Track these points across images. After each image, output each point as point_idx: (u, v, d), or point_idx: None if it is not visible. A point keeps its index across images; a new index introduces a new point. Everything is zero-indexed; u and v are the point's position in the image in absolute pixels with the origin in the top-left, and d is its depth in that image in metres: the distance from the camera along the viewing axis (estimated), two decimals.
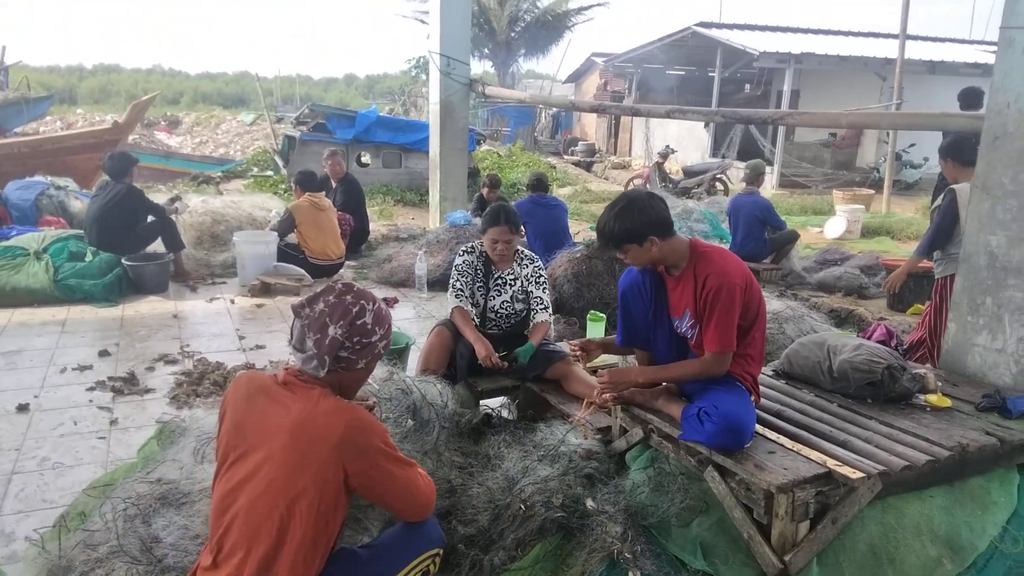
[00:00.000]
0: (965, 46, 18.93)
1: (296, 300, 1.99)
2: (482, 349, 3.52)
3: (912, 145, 15.12)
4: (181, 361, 4.68)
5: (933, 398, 2.88)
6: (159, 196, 8.90)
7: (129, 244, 6.41)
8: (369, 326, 1.92)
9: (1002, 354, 3.14)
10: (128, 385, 4.23)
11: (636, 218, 2.50)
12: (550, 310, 3.80)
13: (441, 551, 2.13)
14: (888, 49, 15.55)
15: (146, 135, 18.35)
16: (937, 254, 4.38)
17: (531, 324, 3.75)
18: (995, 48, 3.14)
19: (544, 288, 3.79)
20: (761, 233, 6.90)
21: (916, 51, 15.87)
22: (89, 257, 6.18)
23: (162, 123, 22.78)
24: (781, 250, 7.00)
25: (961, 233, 3.86)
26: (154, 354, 4.76)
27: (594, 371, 3.76)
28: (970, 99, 6.57)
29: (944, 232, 4.25)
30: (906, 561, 2.40)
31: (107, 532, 2.53)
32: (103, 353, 4.76)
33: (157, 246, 6.73)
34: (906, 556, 2.40)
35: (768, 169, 15.82)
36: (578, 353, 2.99)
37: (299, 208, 6.64)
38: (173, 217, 6.83)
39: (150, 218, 6.61)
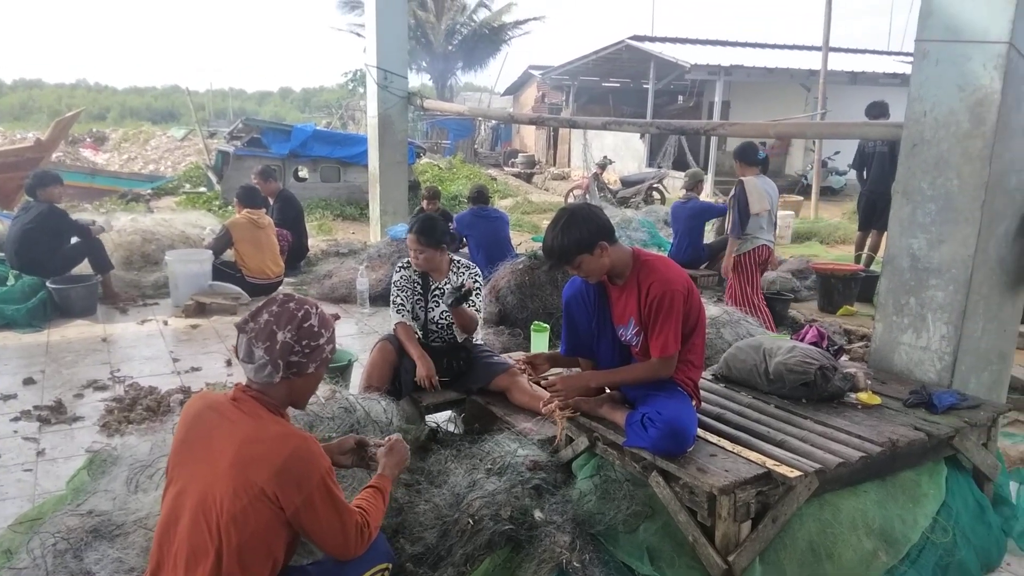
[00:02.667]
0: (884, 57, 19.85)
1: (238, 319, 1.97)
2: (423, 369, 3.51)
3: (837, 153, 15.74)
4: (112, 387, 4.50)
5: (864, 396, 2.99)
6: (86, 215, 8.57)
7: (53, 266, 6.15)
8: (316, 328, 1.93)
9: (927, 351, 3.28)
10: (55, 414, 4.05)
11: (583, 227, 2.53)
12: (482, 312, 3.81)
13: (390, 565, 2.11)
14: (812, 61, 16.17)
15: (71, 152, 17.65)
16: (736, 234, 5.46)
17: None
18: (912, 59, 3.30)
19: (478, 294, 3.79)
20: (700, 239, 7.07)
21: (838, 63, 16.56)
22: (11, 281, 5.90)
23: (88, 140, 21.95)
24: (717, 256, 7.19)
25: (752, 217, 5.31)
26: (82, 380, 4.57)
27: (538, 382, 3.79)
28: (876, 112, 6.93)
29: (743, 216, 5.36)
30: (844, 555, 2.48)
31: (36, 569, 2.42)
32: (28, 381, 4.54)
33: (84, 268, 6.47)
34: (843, 551, 2.48)
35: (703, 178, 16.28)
36: (525, 368, 2.99)
37: (237, 225, 6.48)
38: (100, 237, 6.58)
39: (75, 239, 6.35)
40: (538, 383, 3.13)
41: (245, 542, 1.75)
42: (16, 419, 3.99)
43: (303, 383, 1.97)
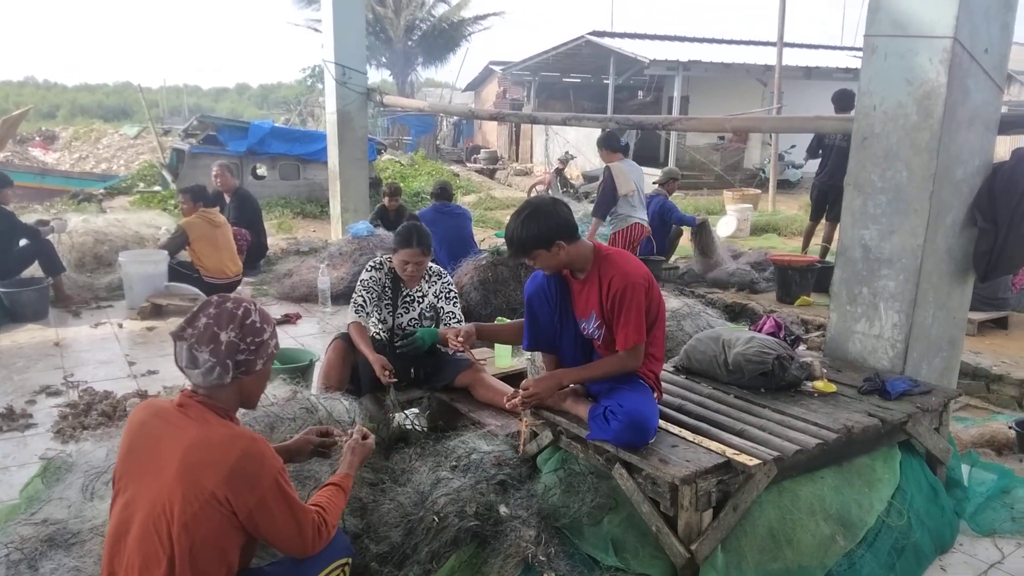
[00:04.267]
0: (837, 52, 20.28)
1: (173, 327, 1.93)
2: (378, 365, 3.44)
3: (793, 147, 16.04)
4: (65, 392, 4.38)
5: (820, 384, 3.06)
6: (35, 217, 8.32)
7: (2, 269, 5.96)
8: (258, 324, 1.91)
9: (879, 339, 3.37)
10: (7, 421, 3.93)
11: (543, 223, 2.55)
12: (463, 322, 3.78)
13: (350, 560, 2.10)
14: (768, 56, 16.45)
15: (19, 152, 17.11)
16: (609, 217, 6.11)
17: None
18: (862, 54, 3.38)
19: (455, 303, 3.76)
20: (664, 235, 7.16)
21: (793, 58, 16.88)
22: None
23: (37, 139, 21.33)
24: (675, 245, 7.34)
25: (620, 199, 5.92)
26: (35, 386, 4.44)
27: (504, 377, 3.80)
28: (844, 100, 7.02)
29: (609, 198, 5.98)
30: (803, 541, 2.53)
31: None
32: None
33: (34, 270, 6.28)
34: (803, 536, 2.54)
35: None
36: (460, 341, 2.97)
37: (192, 225, 6.34)
38: (50, 238, 6.39)
39: (24, 241, 6.16)
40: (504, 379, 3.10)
41: (197, 548, 1.72)
42: None
43: (252, 381, 1.95)
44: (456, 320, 3.70)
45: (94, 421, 3.87)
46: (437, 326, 3.72)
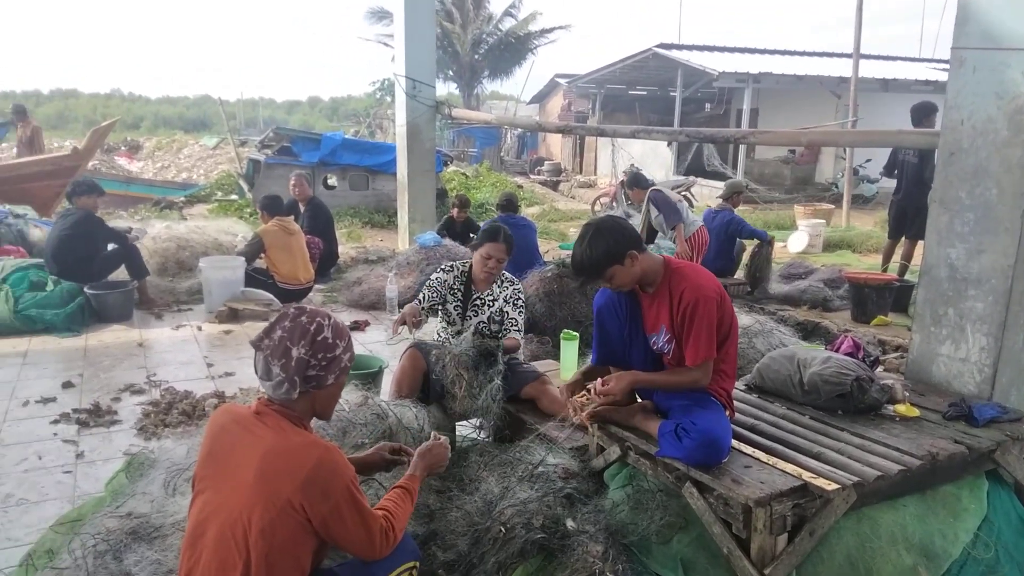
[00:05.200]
0: (916, 64, 19.58)
1: (254, 336, 1.98)
2: (407, 311, 3.53)
3: (868, 160, 15.53)
4: (148, 391, 4.58)
5: (902, 408, 2.95)
6: (121, 222, 8.75)
7: (91, 272, 6.28)
8: (330, 340, 1.93)
9: (966, 363, 3.23)
10: (94, 417, 4.13)
11: (611, 238, 2.53)
12: (522, 332, 3.81)
13: (417, 564, 2.12)
14: (843, 68, 16.01)
15: (106, 161, 18.02)
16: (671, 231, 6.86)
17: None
18: (945, 66, 3.26)
19: (520, 311, 3.80)
20: (731, 250, 7.01)
21: (869, 70, 16.39)
22: (50, 286, 6.03)
23: (123, 148, 22.39)
24: (740, 260, 7.21)
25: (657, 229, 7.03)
26: (120, 384, 4.66)
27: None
28: (923, 113, 6.77)
29: (673, 208, 6.76)
30: (883, 570, 2.43)
31: (77, 569, 2.47)
32: (67, 384, 4.64)
33: (121, 274, 6.60)
34: (882, 565, 2.44)
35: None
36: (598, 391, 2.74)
37: (268, 232, 6.57)
38: (136, 244, 6.71)
39: (112, 246, 6.49)
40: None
41: (273, 553, 1.77)
42: (56, 422, 4.08)
43: (324, 395, 1.97)
44: (516, 328, 3.73)
45: (175, 419, 4.04)
46: (502, 331, 3.75)
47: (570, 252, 8.77)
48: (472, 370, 3.49)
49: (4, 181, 9.53)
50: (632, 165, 14.97)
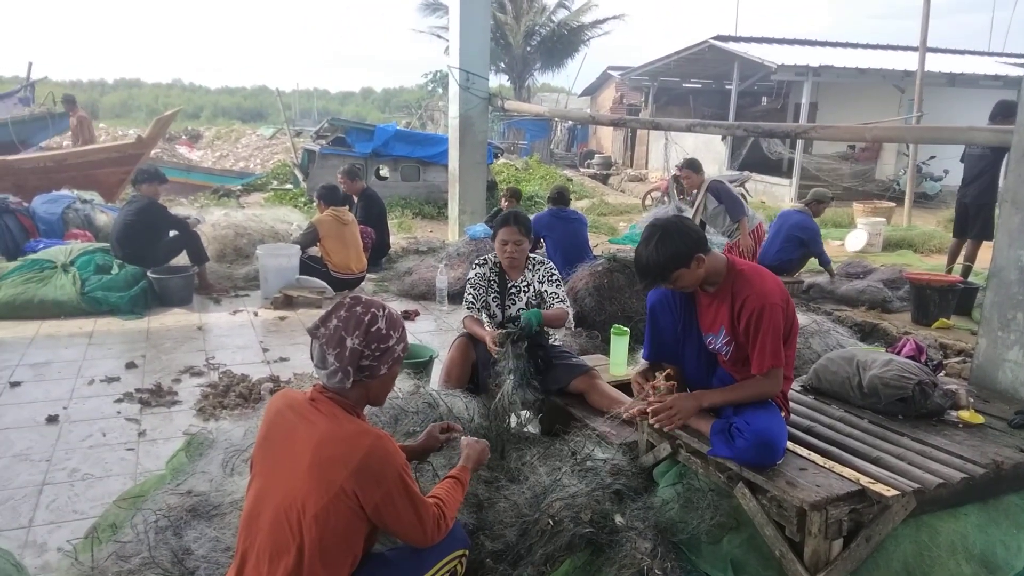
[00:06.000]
0: (985, 58, 18.79)
1: (311, 324, 2.01)
2: (486, 337, 3.49)
3: (932, 157, 15.01)
4: (207, 373, 4.72)
5: (965, 414, 2.85)
6: (181, 209, 9.01)
7: (154, 257, 6.49)
8: (384, 331, 1.95)
9: None
10: (155, 397, 4.27)
11: (678, 241, 2.47)
12: (567, 303, 3.79)
13: (467, 552, 2.15)
14: (907, 62, 15.47)
15: (168, 149, 18.59)
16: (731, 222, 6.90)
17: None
18: (1017, 60, 3.13)
19: (558, 284, 3.79)
20: (796, 251, 6.88)
21: (936, 63, 15.78)
22: (115, 270, 6.25)
23: (183, 137, 23.07)
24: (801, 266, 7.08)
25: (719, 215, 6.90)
26: (180, 366, 4.81)
27: (618, 385, 3.76)
28: (1004, 112, 6.49)
29: (737, 199, 6.95)
30: None
31: (139, 544, 2.55)
32: (130, 365, 4.81)
33: (182, 259, 6.81)
34: (940, 575, 2.37)
35: (787, 182, 15.80)
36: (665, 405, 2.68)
37: (323, 222, 6.69)
38: (196, 230, 6.91)
39: (173, 232, 6.69)
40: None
41: (326, 538, 1.80)
42: (119, 400, 4.23)
43: (378, 384, 2.00)
44: (560, 300, 3.73)
45: (232, 402, 4.15)
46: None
47: (620, 246, 8.70)
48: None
49: (72, 168, 9.90)
50: (685, 159, 14.78)
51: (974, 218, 6.77)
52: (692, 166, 7.20)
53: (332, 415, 1.90)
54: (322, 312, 2.00)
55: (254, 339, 5.49)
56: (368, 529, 1.91)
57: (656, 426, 2.69)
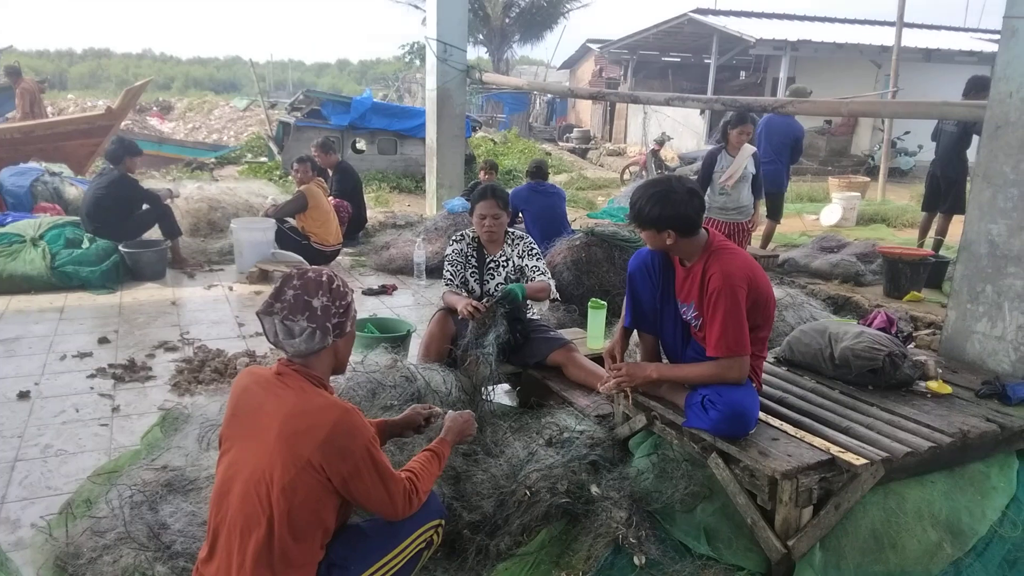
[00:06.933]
0: (961, 34, 18.93)
1: (260, 305, 2.00)
2: (461, 304, 3.47)
3: (907, 133, 15.16)
4: (181, 348, 4.67)
5: (934, 385, 2.91)
6: (154, 183, 8.85)
7: (125, 231, 6.39)
8: (342, 288, 2.00)
9: (1001, 341, 3.17)
10: (129, 372, 4.23)
11: (665, 209, 2.49)
12: (549, 275, 3.80)
13: (443, 522, 2.16)
14: (884, 37, 15.55)
15: (139, 121, 18.18)
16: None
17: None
18: (992, 36, 3.15)
19: (538, 258, 3.79)
20: (786, 162, 6.90)
21: (912, 39, 15.88)
22: (86, 244, 6.15)
23: (154, 109, 22.55)
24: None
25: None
26: (154, 341, 4.76)
27: (596, 358, 3.79)
28: (977, 86, 6.54)
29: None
30: (907, 545, 2.43)
31: (114, 519, 2.54)
32: (102, 340, 4.75)
33: (154, 233, 6.70)
34: (907, 541, 2.44)
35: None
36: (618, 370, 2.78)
37: (312, 192, 6.60)
38: (169, 203, 6.79)
39: (146, 206, 6.57)
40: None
41: (295, 510, 1.81)
42: (92, 376, 4.18)
43: (344, 344, 2.03)
44: (541, 273, 3.74)
45: (207, 376, 4.12)
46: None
47: (598, 221, 8.53)
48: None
49: (40, 139, 9.67)
50: (663, 133, 14.78)
51: (945, 192, 6.86)
52: (743, 120, 5.87)
53: (299, 389, 1.90)
54: (266, 298, 1.98)
55: (229, 314, 5.44)
56: (339, 502, 1.91)
57: (611, 387, 2.77)
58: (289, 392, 1.89)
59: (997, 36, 3.16)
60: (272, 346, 2.00)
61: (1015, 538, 2.58)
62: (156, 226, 6.66)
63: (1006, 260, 3.13)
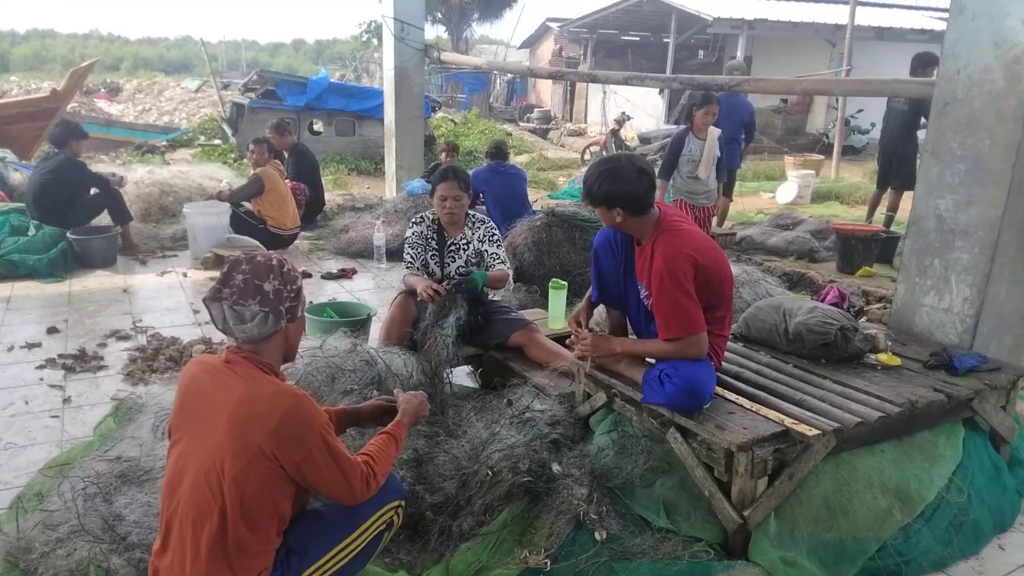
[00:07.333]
0: (913, 12, 19.30)
1: (207, 292, 1.95)
2: (421, 286, 3.47)
3: (860, 111, 15.43)
4: (134, 337, 4.56)
5: (883, 357, 2.99)
6: (103, 167, 8.59)
7: (73, 217, 6.19)
8: (292, 272, 1.96)
9: (948, 314, 3.26)
10: (80, 362, 4.12)
11: (614, 186, 2.51)
12: (508, 264, 3.80)
13: (403, 502, 2.15)
14: (839, 15, 15.77)
15: (86, 103, 17.58)
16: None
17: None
18: (943, 15, 3.21)
19: (498, 244, 3.78)
20: (740, 141, 6.94)
21: (865, 17, 16.12)
22: (32, 231, 5.95)
23: (102, 90, 21.84)
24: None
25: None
26: (105, 330, 4.64)
27: (557, 339, 3.81)
28: (923, 63, 6.69)
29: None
30: (858, 513, 2.50)
31: (67, 512, 2.48)
32: (51, 330, 4.61)
33: (104, 219, 6.51)
34: (858, 508, 2.51)
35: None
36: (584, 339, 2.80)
37: (269, 175, 6.45)
38: (118, 188, 6.60)
39: (94, 190, 6.38)
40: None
41: (247, 500, 1.78)
42: (41, 367, 4.07)
43: (294, 329, 1.99)
44: (500, 261, 3.74)
45: (162, 365, 4.03)
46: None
47: (559, 201, 8.45)
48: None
49: None
50: (623, 113, 14.81)
51: (897, 169, 7.01)
52: (717, 100, 5.85)
53: (249, 376, 1.86)
54: (214, 284, 1.93)
55: (184, 300, 5.32)
56: (294, 489, 1.89)
57: (575, 355, 2.82)
58: (238, 380, 1.85)
59: (947, 15, 3.22)
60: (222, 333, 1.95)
61: (961, 503, 2.68)
62: (105, 212, 6.46)
63: (953, 234, 3.21)
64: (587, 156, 14.46)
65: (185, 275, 5.98)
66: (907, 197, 6.35)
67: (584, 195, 2.65)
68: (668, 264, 2.44)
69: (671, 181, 5.86)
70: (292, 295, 1.93)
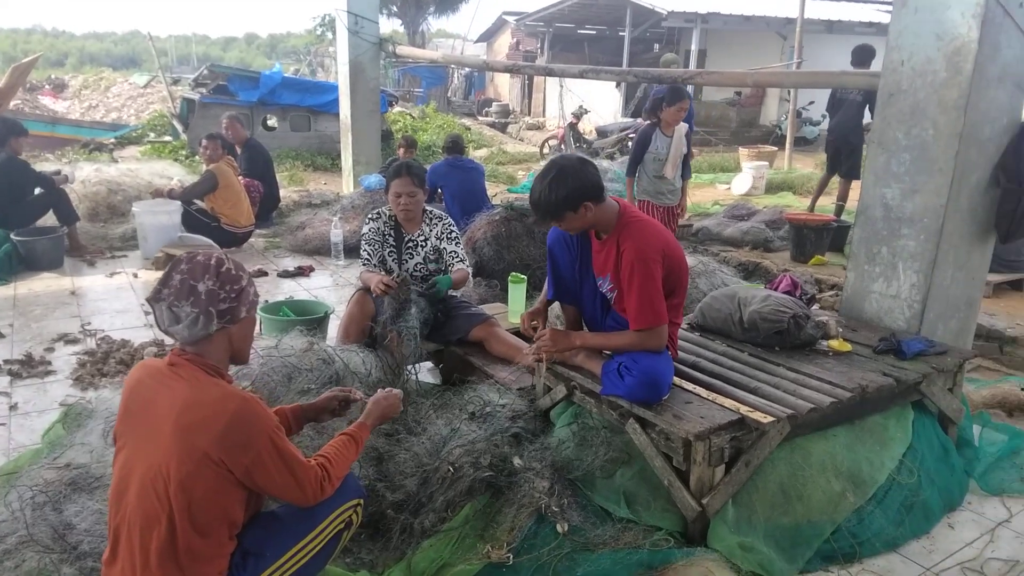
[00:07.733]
0: (861, 5, 19.71)
1: (149, 292, 1.91)
2: (374, 282, 3.42)
3: (811, 103, 15.71)
4: (83, 340, 4.43)
5: (835, 343, 3.05)
6: (48, 166, 8.32)
7: (17, 218, 5.98)
8: (234, 272, 1.88)
9: (896, 300, 3.35)
10: (26, 368, 3.98)
11: (570, 185, 2.46)
12: (467, 262, 3.78)
13: (362, 501, 2.12)
14: (789, 9, 16.01)
15: (29, 100, 16.98)
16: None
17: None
18: (889, 8, 3.29)
19: (457, 242, 3.76)
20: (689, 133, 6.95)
21: (815, 10, 16.42)
22: None
23: (46, 87, 21.14)
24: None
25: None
26: (52, 334, 4.50)
27: (517, 333, 3.81)
28: (862, 56, 6.86)
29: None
30: (813, 497, 2.56)
31: (15, 522, 2.41)
32: None
33: (49, 219, 6.30)
34: (813, 492, 2.57)
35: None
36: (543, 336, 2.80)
37: (222, 171, 6.31)
38: (64, 188, 6.39)
39: (38, 190, 6.17)
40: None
41: (196, 505, 1.74)
42: None
43: (239, 331, 1.91)
44: (460, 260, 3.72)
45: (112, 369, 3.93)
46: (441, 269, 3.74)
47: (518, 195, 8.43)
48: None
49: None
50: (580, 106, 14.86)
51: (847, 157, 7.17)
52: (688, 95, 5.64)
53: (194, 379, 1.81)
54: (156, 282, 1.88)
55: (135, 302, 5.19)
56: (246, 493, 1.85)
57: (534, 352, 2.79)
58: (183, 384, 1.80)
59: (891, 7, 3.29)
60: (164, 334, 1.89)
61: (912, 484, 2.76)
62: (51, 212, 6.26)
63: (900, 222, 3.29)
64: (546, 150, 14.48)
65: (135, 276, 5.82)
66: (856, 186, 6.52)
67: (545, 213, 2.53)
68: (640, 256, 2.46)
69: (635, 180, 5.62)
70: (232, 296, 1.86)
